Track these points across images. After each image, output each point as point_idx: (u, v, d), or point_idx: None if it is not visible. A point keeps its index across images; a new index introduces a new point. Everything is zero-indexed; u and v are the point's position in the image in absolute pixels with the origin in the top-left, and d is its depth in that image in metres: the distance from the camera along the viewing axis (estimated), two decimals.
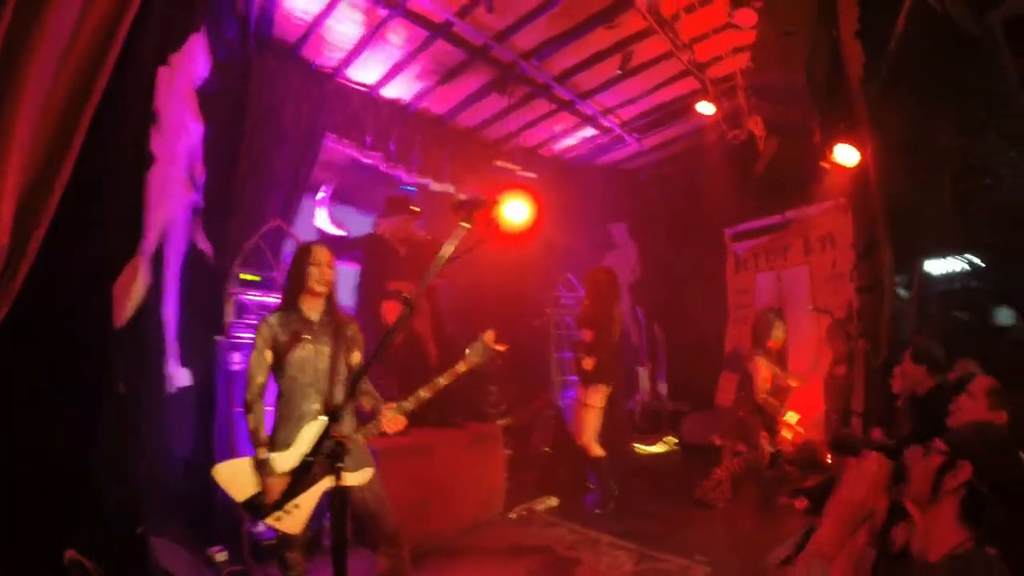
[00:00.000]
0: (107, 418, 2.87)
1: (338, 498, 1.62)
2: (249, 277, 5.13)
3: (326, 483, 3.12)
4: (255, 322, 5.02)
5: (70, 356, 2.78)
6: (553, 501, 6.06)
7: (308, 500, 3.09)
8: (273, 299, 5.20)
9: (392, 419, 3.14)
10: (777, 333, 6.30)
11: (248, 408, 3.22)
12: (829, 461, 5.99)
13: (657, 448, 8.35)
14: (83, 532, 2.36)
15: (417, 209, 6.63)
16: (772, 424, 6.09)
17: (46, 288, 2.59)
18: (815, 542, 1.71)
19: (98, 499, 2.52)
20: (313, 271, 3.35)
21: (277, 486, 3.08)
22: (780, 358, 6.32)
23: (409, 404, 3.17)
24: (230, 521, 4.46)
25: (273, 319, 3.34)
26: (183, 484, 4.51)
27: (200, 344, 4.83)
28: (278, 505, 3.05)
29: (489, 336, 3.27)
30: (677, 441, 8.35)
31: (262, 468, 3.10)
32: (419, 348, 6.06)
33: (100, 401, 2.87)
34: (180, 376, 4.45)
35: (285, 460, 3.15)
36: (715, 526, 5.27)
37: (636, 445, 8.21)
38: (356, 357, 3.49)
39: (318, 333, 3.36)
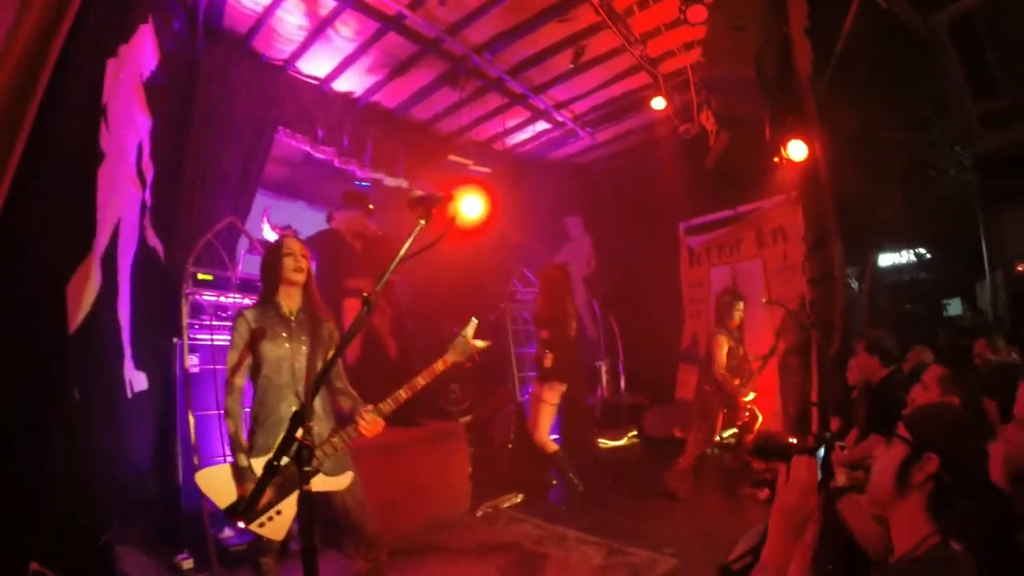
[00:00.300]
0: (63, 425, 2.78)
1: (305, 502, 1.58)
2: (204, 276, 5.00)
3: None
4: (210, 323, 4.93)
5: (23, 362, 2.68)
6: (518, 497, 6.07)
7: (289, 506, 3.02)
8: (228, 299, 5.10)
9: (371, 422, 3.08)
10: (737, 313, 6.41)
11: (228, 413, 3.10)
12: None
13: (620, 442, 8.41)
14: (45, 543, 2.28)
15: (372, 206, 6.58)
16: (732, 400, 6.19)
17: None
18: (764, 556, 1.68)
19: (58, 509, 2.44)
20: (288, 261, 3.25)
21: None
22: (740, 338, 6.42)
23: (387, 406, 3.12)
24: (195, 527, 4.37)
25: (250, 314, 3.20)
26: (145, 490, 4.39)
27: (156, 346, 4.71)
28: (261, 512, 2.97)
29: (470, 332, 3.26)
30: (637, 434, 8.44)
31: (243, 475, 2.99)
32: (379, 345, 6.03)
33: (55, 408, 2.77)
34: (137, 380, 4.32)
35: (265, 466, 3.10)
36: (680, 518, 5.32)
37: (600, 440, 8.27)
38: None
39: (295, 331, 3.26)
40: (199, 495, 4.33)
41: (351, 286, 5.94)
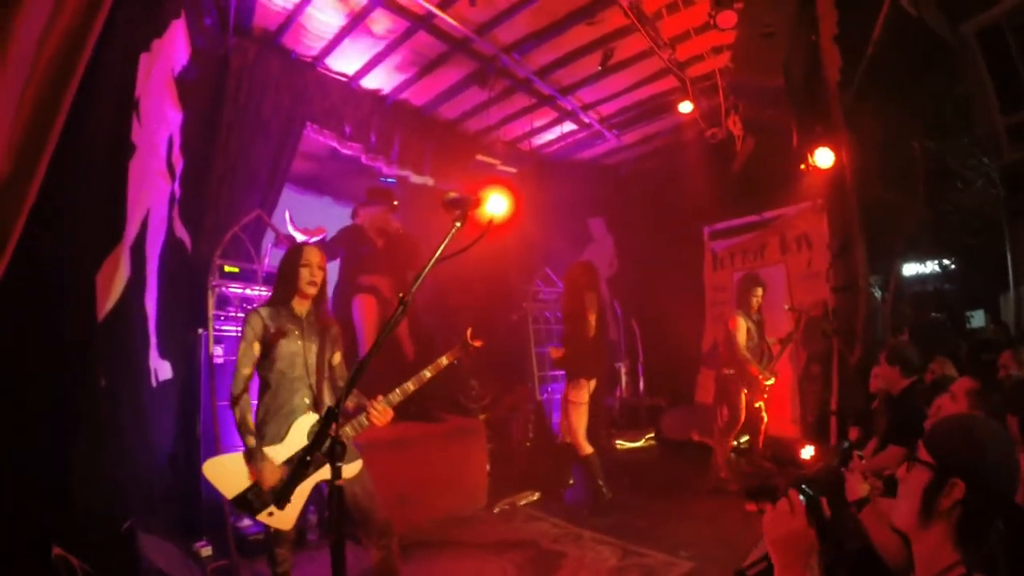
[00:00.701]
0: (88, 412, 2.85)
1: (336, 496, 1.62)
2: (230, 269, 5.08)
3: (313, 479, 3.19)
4: (236, 314, 5.01)
5: (51, 349, 2.75)
6: (534, 495, 6.09)
7: (298, 496, 3.10)
8: (254, 291, 5.17)
9: (381, 411, 3.18)
10: (755, 298, 6.39)
11: (234, 401, 3.20)
12: (804, 457, 6.10)
13: (637, 443, 8.40)
14: (68, 529, 2.34)
15: (396, 203, 6.62)
16: (752, 382, 6.17)
17: (27, 281, 2.56)
18: None
19: (82, 495, 2.50)
20: (304, 272, 3.39)
21: (274, 475, 3.12)
22: (759, 321, 6.41)
23: (396, 397, 3.23)
24: (215, 516, 4.45)
25: (264, 311, 3.35)
26: (167, 479, 4.48)
27: (181, 337, 4.79)
28: (268, 502, 3.07)
29: (468, 334, 3.44)
30: (655, 436, 8.43)
31: (253, 457, 3.11)
32: (396, 344, 6.06)
33: (81, 395, 2.84)
34: (162, 369, 4.40)
35: (277, 454, 3.19)
36: (697, 521, 5.28)
37: (617, 441, 8.27)
38: (337, 358, 3.56)
39: (306, 330, 3.42)
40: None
41: (365, 282, 5.99)
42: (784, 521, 1.59)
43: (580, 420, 5.82)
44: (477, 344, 3.45)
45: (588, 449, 5.77)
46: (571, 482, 6.29)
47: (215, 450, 4.44)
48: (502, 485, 6.14)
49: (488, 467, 6.07)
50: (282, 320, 3.35)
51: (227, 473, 3.13)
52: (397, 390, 3.24)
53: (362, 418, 3.19)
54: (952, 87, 5.33)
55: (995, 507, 1.48)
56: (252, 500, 3.12)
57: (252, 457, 3.12)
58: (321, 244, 6.56)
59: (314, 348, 3.41)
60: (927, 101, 5.65)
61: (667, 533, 5.02)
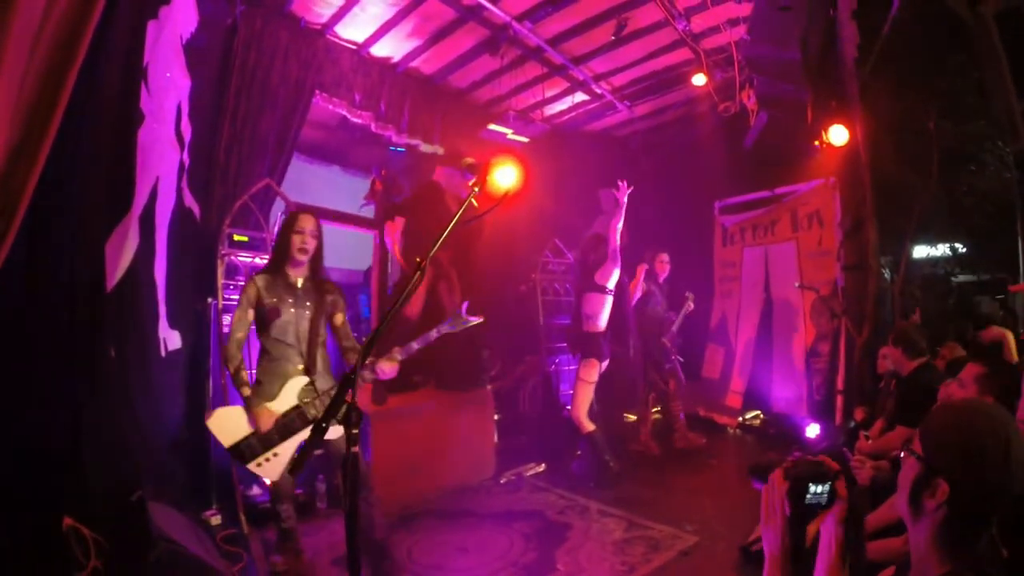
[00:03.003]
0: (98, 382, 2.87)
1: (352, 463, 1.62)
2: (239, 238, 5.09)
3: (301, 436, 3.42)
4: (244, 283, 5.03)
5: (60, 319, 2.77)
6: (540, 467, 6.14)
7: (285, 450, 3.40)
8: (263, 260, 5.18)
9: (388, 362, 3.39)
10: (663, 264, 6.88)
11: (228, 358, 3.48)
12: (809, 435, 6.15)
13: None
14: (79, 499, 2.38)
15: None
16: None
17: (35, 251, 2.57)
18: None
19: (92, 466, 2.54)
20: (295, 239, 3.55)
21: (269, 420, 3.38)
22: (663, 292, 6.86)
23: (399, 354, 3.41)
24: (224, 485, 4.53)
25: (260, 280, 3.57)
26: (176, 447, 4.54)
27: (191, 306, 4.82)
28: (259, 452, 3.36)
29: (464, 308, 3.56)
30: (659, 411, 8.45)
31: (249, 404, 3.41)
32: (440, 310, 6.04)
33: (91, 365, 2.86)
34: (171, 339, 4.44)
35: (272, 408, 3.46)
36: (703, 496, 5.31)
37: (624, 414, 8.31)
38: (339, 319, 3.72)
39: (300, 298, 3.60)
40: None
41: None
42: (768, 517, 1.54)
43: (584, 398, 5.83)
44: (473, 320, 3.54)
45: (590, 426, 5.79)
46: (578, 453, 6.33)
47: None
48: (508, 456, 6.19)
49: (496, 438, 6.10)
50: (277, 289, 3.55)
51: (228, 424, 3.41)
52: (402, 347, 3.42)
53: (365, 372, 3.38)
54: (970, 68, 5.22)
55: (982, 512, 1.37)
56: (244, 450, 3.38)
57: (248, 404, 3.40)
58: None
59: (307, 315, 3.58)
60: (944, 82, 5.54)
61: (673, 507, 5.07)
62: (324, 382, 3.59)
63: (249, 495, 4.59)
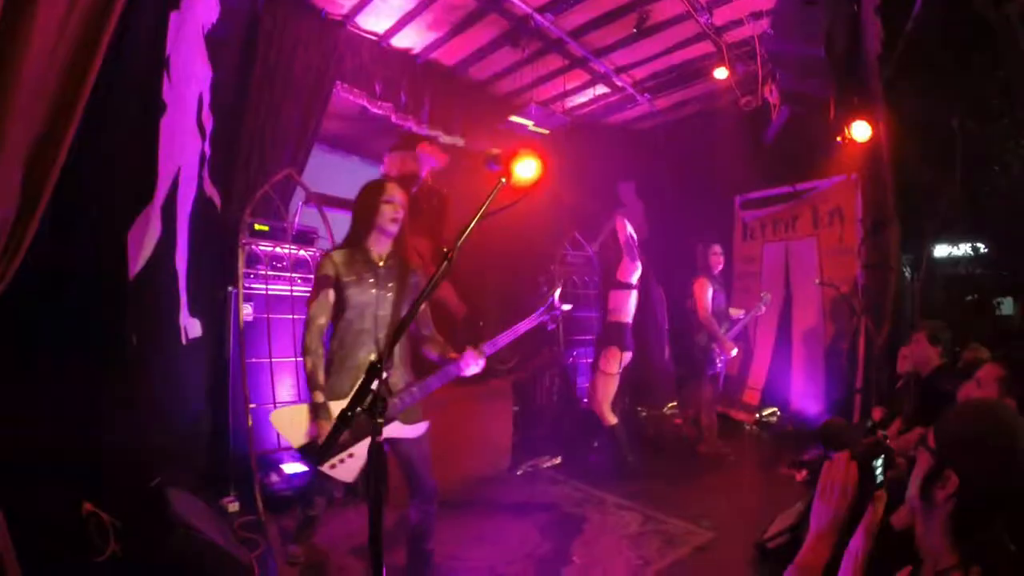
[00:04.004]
0: (120, 369, 2.91)
1: (376, 453, 1.62)
2: (260, 227, 5.13)
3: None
4: (265, 272, 5.06)
5: (83, 306, 2.81)
6: (557, 459, 6.15)
7: (362, 450, 3.05)
8: (284, 250, 5.22)
9: (475, 357, 3.09)
10: (713, 257, 6.54)
11: (306, 350, 3.05)
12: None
13: (660, 412, 8.42)
14: (99, 485, 2.42)
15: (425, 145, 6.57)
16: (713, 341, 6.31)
17: (58, 240, 2.60)
18: (801, 555, 1.59)
19: (112, 452, 2.57)
20: (387, 209, 3.18)
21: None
22: (725, 286, 6.53)
23: (488, 348, 3.14)
24: (242, 472, 4.57)
25: (337, 256, 3.17)
26: (196, 435, 4.59)
27: (211, 295, 4.86)
28: (334, 453, 3.02)
29: (556, 295, 3.39)
30: (676, 405, 8.44)
31: (318, 413, 3.00)
32: (441, 304, 6.03)
33: (113, 352, 2.90)
34: (192, 327, 4.48)
35: (339, 410, 3.16)
36: (719, 492, 5.33)
37: (639, 408, 8.31)
38: (421, 305, 3.44)
39: (383, 277, 3.21)
40: (247, 440, 4.53)
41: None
42: (832, 488, 1.58)
43: (607, 390, 5.83)
44: (566, 307, 3.37)
45: (612, 419, 5.79)
46: (595, 445, 6.33)
47: (244, 408, 4.54)
48: (525, 447, 6.21)
49: (513, 429, 6.12)
50: (357, 266, 3.15)
51: (294, 423, 3.02)
52: (488, 343, 3.15)
53: (451, 368, 3.10)
54: (995, 69, 5.14)
55: (989, 505, 1.43)
56: (318, 450, 3.01)
57: (316, 413, 3.00)
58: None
59: (389, 297, 3.20)
60: (969, 80, 5.45)
61: (689, 502, 5.06)
62: (399, 376, 3.22)
63: (267, 483, 4.63)
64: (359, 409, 1.69)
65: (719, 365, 6.46)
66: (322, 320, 3.10)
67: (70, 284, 2.77)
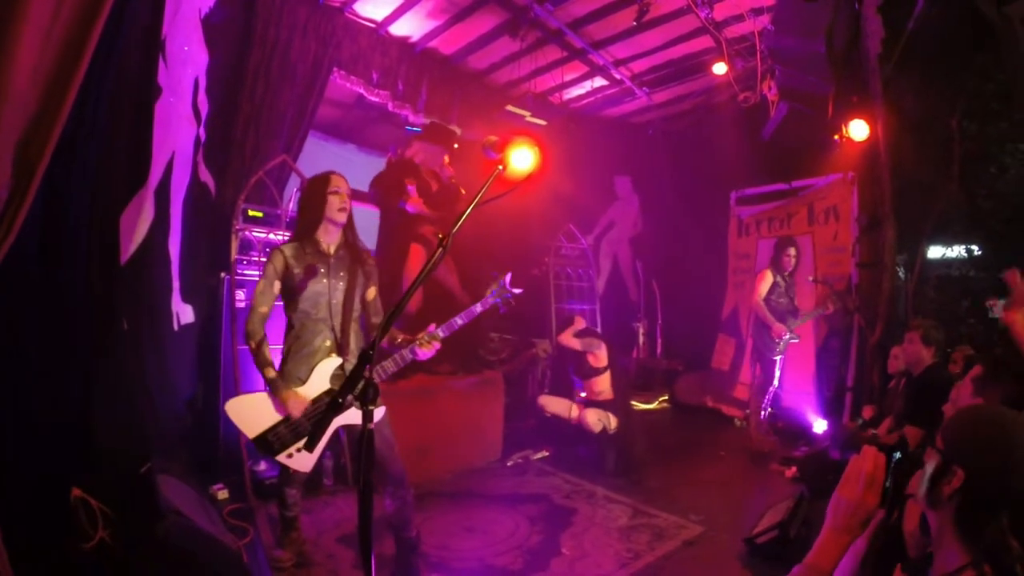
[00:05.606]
0: (110, 355, 2.88)
1: (368, 440, 1.61)
2: (254, 213, 5.09)
3: (335, 423, 3.17)
4: (259, 259, 5.03)
5: (73, 290, 2.78)
6: (546, 452, 6.16)
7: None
8: (277, 236, 5.19)
9: (429, 342, 3.11)
10: (787, 257, 6.39)
11: (249, 335, 3.15)
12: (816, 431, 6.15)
13: (651, 405, 8.44)
14: (87, 471, 2.40)
15: (457, 146, 6.52)
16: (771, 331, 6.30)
17: (50, 222, 2.57)
18: (812, 555, 1.57)
19: (101, 437, 2.55)
20: (334, 200, 3.26)
21: (300, 404, 3.12)
22: (790, 282, 6.45)
23: (443, 331, 3.16)
24: (232, 459, 4.55)
25: (287, 249, 3.23)
26: (186, 422, 4.57)
27: (204, 281, 4.83)
28: (288, 443, 3.09)
29: (507, 280, 3.34)
30: (668, 399, 8.45)
31: (275, 388, 3.10)
32: (442, 290, 6.04)
33: (103, 337, 2.87)
34: (184, 313, 4.46)
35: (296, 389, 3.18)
36: (708, 486, 5.35)
37: (632, 401, 8.32)
38: (372, 293, 3.45)
39: (334, 267, 3.29)
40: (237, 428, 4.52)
41: (420, 231, 5.95)
42: (859, 482, 1.58)
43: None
44: (516, 291, 3.35)
45: (598, 427, 5.79)
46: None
47: (235, 394, 4.51)
48: (515, 439, 6.21)
49: (503, 420, 6.13)
50: (307, 258, 3.23)
51: (249, 412, 3.13)
52: (443, 325, 3.16)
53: (406, 352, 3.10)
54: (994, 70, 5.14)
55: (994, 500, 1.45)
56: (273, 441, 3.11)
57: (275, 388, 3.10)
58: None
59: (341, 287, 3.29)
60: (969, 81, 5.45)
61: (678, 496, 5.08)
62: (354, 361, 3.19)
63: (256, 470, 4.62)
64: (351, 396, 1.69)
65: (779, 350, 6.40)
66: (264, 309, 3.20)
67: (61, 268, 2.74)
